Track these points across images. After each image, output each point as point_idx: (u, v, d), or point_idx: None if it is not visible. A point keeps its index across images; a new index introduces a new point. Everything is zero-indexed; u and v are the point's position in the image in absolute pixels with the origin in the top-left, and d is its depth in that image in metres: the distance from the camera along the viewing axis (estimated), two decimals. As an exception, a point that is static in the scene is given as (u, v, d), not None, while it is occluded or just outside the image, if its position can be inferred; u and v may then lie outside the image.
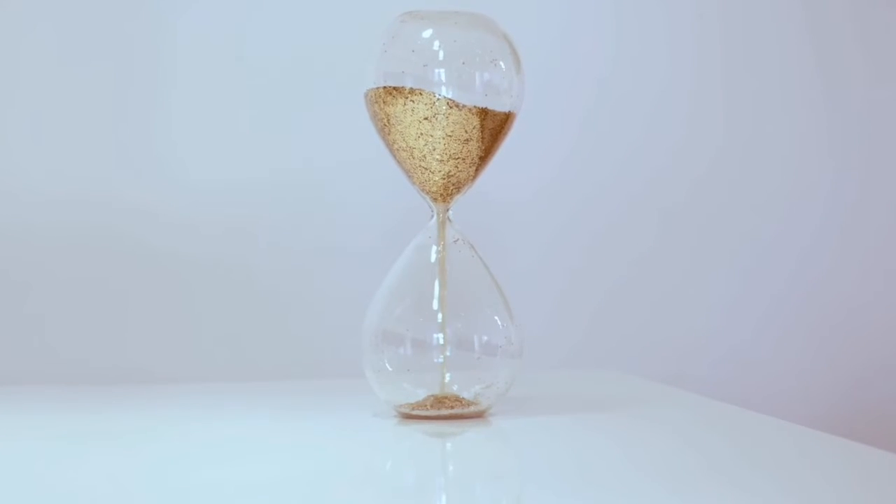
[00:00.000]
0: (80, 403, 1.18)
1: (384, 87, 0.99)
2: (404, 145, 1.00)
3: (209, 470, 0.84)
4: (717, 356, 1.56)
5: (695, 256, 1.57)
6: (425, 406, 0.99)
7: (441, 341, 0.99)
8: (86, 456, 0.90)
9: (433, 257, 1.01)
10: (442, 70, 0.98)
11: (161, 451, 0.92)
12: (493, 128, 1.01)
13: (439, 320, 0.99)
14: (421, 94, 0.98)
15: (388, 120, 1.00)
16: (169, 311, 1.47)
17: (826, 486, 0.77)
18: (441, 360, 0.99)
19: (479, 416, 1.00)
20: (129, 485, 0.79)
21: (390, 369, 1.00)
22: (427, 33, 0.99)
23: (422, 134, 0.99)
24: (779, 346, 1.57)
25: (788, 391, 1.56)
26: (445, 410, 0.99)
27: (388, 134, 1.01)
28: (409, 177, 1.02)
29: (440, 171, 1.01)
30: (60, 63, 1.47)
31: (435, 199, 1.02)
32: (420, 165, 1.01)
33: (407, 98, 0.98)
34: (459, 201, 1.03)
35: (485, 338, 1.00)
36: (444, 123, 0.99)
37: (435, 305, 1.00)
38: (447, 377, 0.99)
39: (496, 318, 1.01)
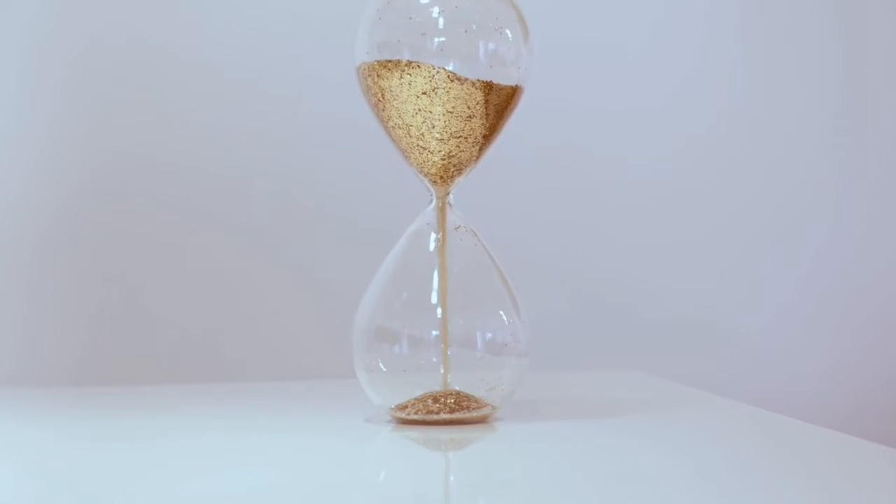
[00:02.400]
0: (65, 406, 1.19)
1: (378, 61, 0.98)
2: (400, 122, 0.99)
3: (186, 480, 0.83)
4: (737, 354, 1.57)
5: (713, 249, 1.58)
6: (423, 408, 0.98)
7: (440, 339, 0.98)
8: (69, 460, 0.91)
9: (432, 246, 1.00)
10: (442, 39, 0.97)
11: (142, 457, 0.92)
12: (499, 103, 0.99)
13: (438, 316, 0.98)
14: (419, 66, 0.97)
15: (383, 95, 0.99)
16: (149, 308, 1.48)
17: (853, 491, 0.78)
18: (440, 359, 0.98)
19: (482, 420, 0.99)
20: (110, 493, 0.80)
21: (384, 370, 0.99)
22: (426, -2, 0.98)
23: (420, 110, 0.98)
24: (798, 345, 1.59)
25: (808, 390, 1.57)
26: (446, 414, 0.98)
27: (383, 110, 1.00)
28: (406, 157, 1.01)
29: (440, 151, 1.00)
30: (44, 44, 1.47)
31: (434, 182, 1.01)
32: (418, 145, 1.00)
33: (403, 71, 0.97)
34: (461, 184, 1.02)
35: (489, 335, 0.99)
36: (445, 98, 0.98)
37: (434, 299, 0.99)
38: (448, 378, 0.99)
39: (501, 313, 1.00)
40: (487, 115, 0.99)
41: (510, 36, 0.98)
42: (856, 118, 1.61)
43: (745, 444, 0.94)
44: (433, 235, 1.01)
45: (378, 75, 0.98)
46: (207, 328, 1.48)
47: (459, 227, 1.01)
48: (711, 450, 0.91)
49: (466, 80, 0.97)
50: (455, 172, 1.00)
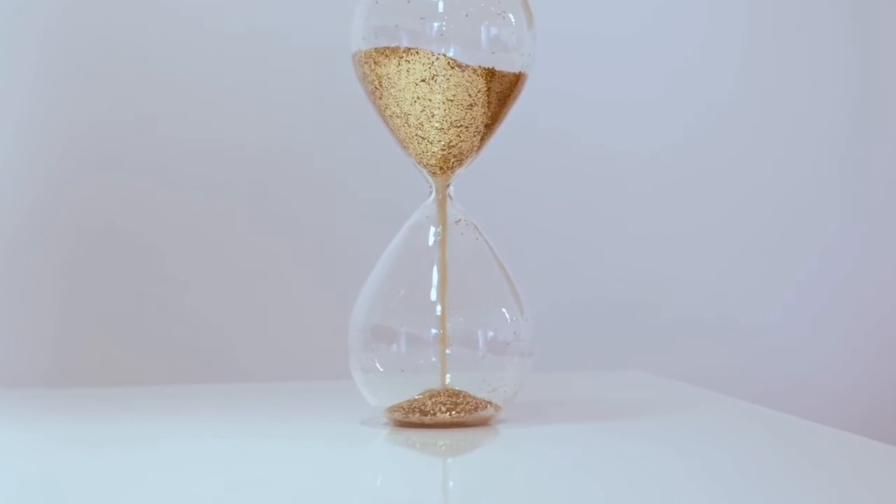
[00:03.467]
0: (47, 409, 1.19)
1: (375, 48, 0.97)
2: (398, 111, 0.98)
3: (174, 485, 0.83)
4: (744, 353, 1.58)
5: (720, 247, 1.59)
6: (422, 410, 0.97)
7: (440, 338, 0.97)
8: (47, 466, 0.91)
9: (431, 240, 1.00)
10: (442, 24, 0.96)
11: (128, 462, 0.91)
12: (501, 91, 0.99)
13: (438, 313, 0.97)
14: (417, 52, 0.96)
15: (380, 82, 0.98)
16: (134, 306, 1.48)
17: (864, 493, 0.78)
18: (440, 359, 0.97)
19: (483, 423, 0.99)
20: (96, 499, 0.80)
21: (381, 370, 0.98)
22: (425, -20, 0.98)
23: (419, 98, 0.97)
24: (806, 343, 1.59)
25: (817, 390, 1.58)
26: (445, 417, 0.97)
27: (380, 98, 0.99)
28: (404, 147, 1.00)
29: (440, 141, 0.99)
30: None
31: (433, 173, 1.00)
32: (416, 134, 0.99)
33: (402, 57, 0.97)
34: (462, 176, 1.01)
35: (490, 333, 0.98)
36: (445, 86, 0.97)
37: (433, 296, 0.98)
38: (447, 378, 0.98)
39: (503, 310, 0.99)
40: (489, 103, 0.98)
41: (513, 20, 0.98)
42: (866, 113, 1.60)
43: (753, 446, 0.94)
44: (432, 229, 1.00)
45: (375, 62, 0.97)
46: (195, 327, 1.48)
47: (460, 220, 1.00)
48: (720, 452, 0.91)
49: (467, 66, 0.96)
50: (455, 163, 0.99)
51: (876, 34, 1.61)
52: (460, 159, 0.99)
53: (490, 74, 0.97)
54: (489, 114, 0.98)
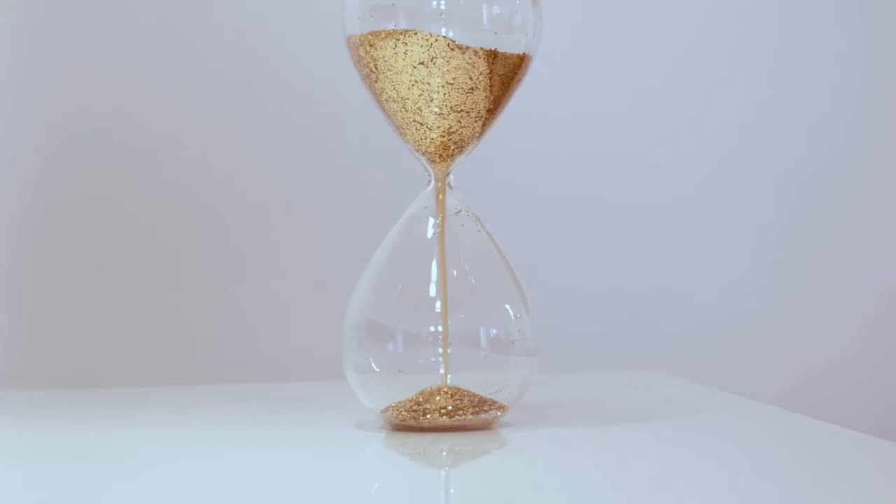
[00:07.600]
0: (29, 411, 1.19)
1: (372, 32, 0.97)
2: (395, 95, 0.98)
3: (151, 498, 0.82)
4: (760, 353, 1.58)
5: (738, 243, 1.59)
6: (420, 413, 0.97)
7: (439, 336, 0.97)
8: (30, 471, 0.90)
9: (430, 232, 0.99)
10: (441, 2, 0.96)
11: (103, 471, 0.90)
12: (504, 74, 0.98)
13: (438, 310, 0.97)
14: (415, 33, 0.96)
15: (376, 65, 0.98)
16: (110, 304, 1.48)
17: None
18: (440, 358, 0.97)
19: (486, 426, 0.98)
20: None
21: (377, 370, 0.98)
22: (422, -44, 0.98)
23: (417, 82, 0.97)
24: (829, 345, 1.59)
25: (837, 391, 1.58)
26: (445, 420, 0.97)
27: (376, 82, 0.98)
28: (401, 134, 1.00)
29: (439, 127, 0.98)
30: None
31: (433, 161, 1.00)
32: (414, 120, 0.98)
33: (398, 39, 0.96)
34: (462, 164, 1.01)
35: (493, 331, 0.98)
36: (444, 69, 0.97)
37: (432, 292, 0.98)
38: (448, 379, 0.98)
39: (507, 307, 0.99)
40: (491, 86, 0.98)
41: (517, -1, 0.98)
42: (869, 113, 1.60)
43: (773, 450, 0.93)
44: (431, 221, 0.99)
45: (370, 45, 0.97)
46: (177, 324, 1.48)
47: (460, 211, 1.00)
48: (740, 456, 0.91)
49: (468, 48, 0.96)
50: (456, 151, 0.99)
51: (884, 41, 1.60)
52: (461, 146, 0.99)
53: (492, 56, 0.97)
54: (491, 98, 0.98)
